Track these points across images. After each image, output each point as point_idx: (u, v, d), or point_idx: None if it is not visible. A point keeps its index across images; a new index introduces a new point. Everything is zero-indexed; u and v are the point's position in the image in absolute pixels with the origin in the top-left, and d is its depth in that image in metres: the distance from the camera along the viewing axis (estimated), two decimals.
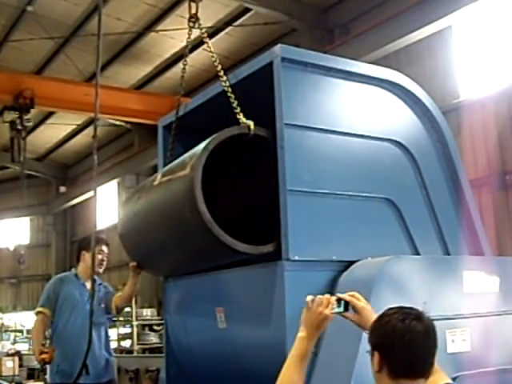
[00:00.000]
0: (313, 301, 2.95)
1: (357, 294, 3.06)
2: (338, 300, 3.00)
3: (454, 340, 4.11)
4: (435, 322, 3.92)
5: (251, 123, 4.28)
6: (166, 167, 4.71)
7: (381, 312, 2.80)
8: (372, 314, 2.95)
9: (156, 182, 4.61)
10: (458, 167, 4.95)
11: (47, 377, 5.71)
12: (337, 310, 2.98)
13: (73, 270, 5.88)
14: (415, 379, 2.63)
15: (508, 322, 4.51)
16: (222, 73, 4.56)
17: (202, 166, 4.03)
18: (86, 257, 5.73)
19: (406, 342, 2.61)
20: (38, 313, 5.69)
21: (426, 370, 2.66)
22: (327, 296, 2.96)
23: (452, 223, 4.84)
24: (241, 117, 4.34)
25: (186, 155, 4.41)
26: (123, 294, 5.62)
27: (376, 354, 2.66)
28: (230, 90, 4.47)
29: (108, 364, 5.71)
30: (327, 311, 2.91)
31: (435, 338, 2.71)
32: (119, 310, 5.80)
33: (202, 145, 4.18)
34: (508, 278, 4.54)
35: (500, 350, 4.40)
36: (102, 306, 5.70)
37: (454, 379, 4.01)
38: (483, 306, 4.36)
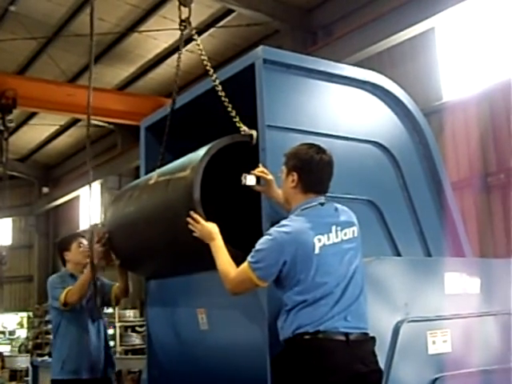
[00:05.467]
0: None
1: (265, 170, 3.93)
2: (250, 177, 3.91)
3: (434, 341, 4.14)
4: (417, 324, 4.01)
5: (254, 132, 4.26)
6: (164, 168, 4.68)
7: (296, 146, 3.71)
8: (275, 185, 3.90)
9: (152, 182, 4.59)
10: (439, 169, 4.97)
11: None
12: (251, 183, 3.92)
13: (63, 269, 5.85)
14: (319, 194, 3.64)
15: (489, 323, 4.54)
16: (214, 77, 4.50)
17: (202, 169, 4.05)
18: (70, 255, 5.76)
19: (318, 167, 3.61)
20: (64, 300, 5.47)
21: (326, 188, 3.68)
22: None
23: (433, 225, 4.86)
24: (241, 125, 4.33)
25: (185, 158, 4.41)
26: (120, 286, 5.62)
27: (295, 175, 3.61)
28: (223, 94, 4.44)
29: (108, 359, 5.71)
30: (244, 182, 3.92)
31: (333, 166, 3.67)
32: (119, 301, 5.79)
33: (204, 149, 4.18)
34: (489, 280, 4.58)
35: (481, 350, 4.44)
36: (100, 300, 5.68)
37: (434, 380, 4.05)
38: (464, 307, 4.39)
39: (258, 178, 3.96)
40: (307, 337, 3.38)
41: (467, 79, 11.53)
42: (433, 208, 4.91)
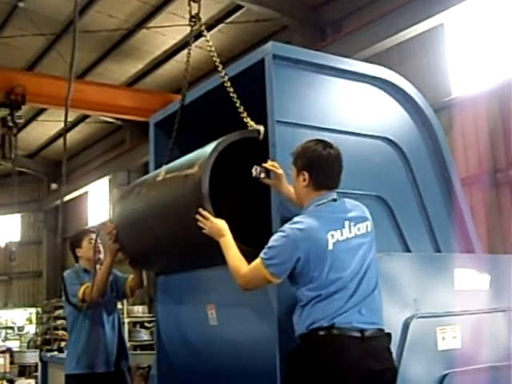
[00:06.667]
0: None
1: (276, 164, 3.95)
2: (261, 170, 3.95)
3: (444, 337, 4.14)
4: (426, 320, 4.00)
5: (261, 128, 4.26)
6: (171, 164, 4.68)
7: (300, 144, 3.72)
8: (285, 180, 3.93)
9: (160, 178, 4.59)
10: (449, 165, 4.96)
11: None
12: (261, 176, 3.96)
13: (76, 265, 5.88)
14: (331, 190, 3.65)
15: (498, 319, 4.54)
16: (223, 73, 4.51)
17: (210, 165, 4.04)
18: (82, 251, 5.81)
19: (328, 163, 3.62)
20: (82, 296, 5.50)
21: (337, 183, 3.69)
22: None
23: (443, 221, 4.85)
24: (249, 121, 4.33)
25: (193, 154, 4.40)
26: (135, 279, 5.65)
27: (306, 174, 3.62)
28: (231, 89, 4.44)
29: (122, 352, 5.75)
30: (254, 175, 3.95)
31: (342, 160, 3.68)
32: (133, 293, 5.81)
33: (212, 145, 4.17)
34: (498, 276, 4.57)
35: (490, 347, 4.43)
36: (114, 294, 5.77)
37: (444, 376, 4.05)
38: (474, 303, 4.39)
39: (268, 172, 3.97)
40: (322, 333, 3.38)
41: (476, 75, 11.49)
42: (442, 204, 4.90)
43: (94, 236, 5.73)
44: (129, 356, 5.93)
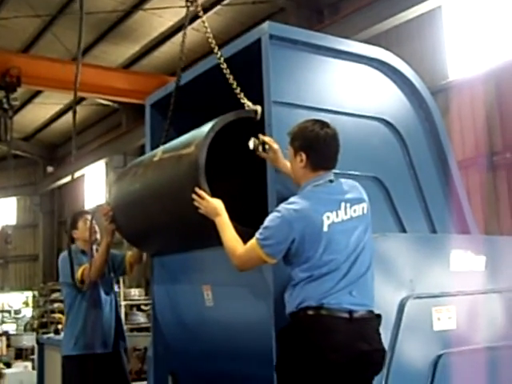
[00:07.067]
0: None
1: (272, 139, 3.96)
2: (258, 142, 3.96)
3: (439, 318, 4.15)
4: (422, 300, 4.01)
5: (259, 108, 4.25)
6: (168, 144, 4.67)
7: (296, 124, 3.70)
8: (281, 155, 3.92)
9: (156, 158, 4.58)
10: (445, 147, 4.96)
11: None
12: (259, 149, 3.97)
13: (73, 246, 5.88)
14: (328, 170, 3.63)
15: (493, 300, 4.55)
16: (219, 54, 4.48)
17: (207, 145, 4.02)
18: (78, 233, 5.82)
19: (326, 143, 3.60)
20: (81, 277, 5.51)
21: (334, 163, 3.68)
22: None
23: (439, 202, 4.85)
24: (246, 101, 4.31)
25: (189, 134, 4.39)
26: (134, 255, 5.69)
27: (303, 155, 3.60)
28: (228, 71, 4.41)
29: (119, 333, 5.78)
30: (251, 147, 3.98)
31: (339, 140, 3.65)
32: (133, 268, 5.82)
33: (209, 125, 4.16)
34: (494, 257, 4.58)
35: (485, 327, 4.45)
36: (111, 274, 5.78)
37: (439, 357, 4.06)
38: (469, 284, 4.40)
39: (265, 146, 3.97)
40: (310, 312, 3.39)
41: (474, 58, 11.47)
42: (438, 185, 4.90)
43: (89, 217, 5.73)
44: (126, 337, 5.94)
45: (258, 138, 3.99)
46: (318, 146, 3.60)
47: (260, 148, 3.97)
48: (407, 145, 4.72)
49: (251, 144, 3.99)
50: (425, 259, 4.20)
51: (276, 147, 3.94)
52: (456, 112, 11.30)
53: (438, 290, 4.18)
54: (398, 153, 4.70)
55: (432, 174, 4.89)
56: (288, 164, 3.85)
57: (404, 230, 4.51)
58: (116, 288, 5.98)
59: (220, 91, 4.51)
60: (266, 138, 3.98)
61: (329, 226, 3.45)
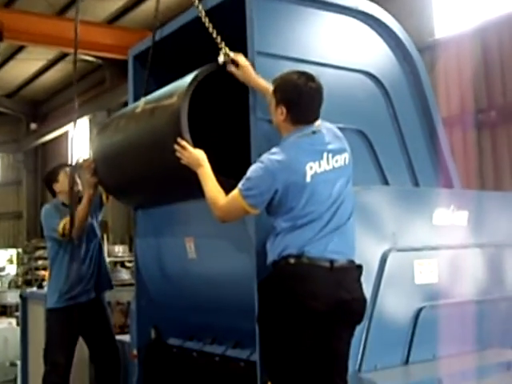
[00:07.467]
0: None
1: (241, 55, 3.99)
2: (227, 58, 4.00)
3: (421, 271, 4.17)
4: (404, 253, 4.02)
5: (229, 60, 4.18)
6: (150, 96, 4.61)
7: (281, 74, 3.65)
8: (251, 71, 3.92)
9: (139, 110, 4.52)
10: (430, 100, 4.93)
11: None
12: (227, 66, 4.01)
13: (54, 200, 5.84)
14: (308, 124, 3.56)
15: (475, 254, 4.58)
16: (197, 2, 4.42)
17: (189, 95, 3.97)
18: (59, 186, 5.78)
19: (308, 98, 3.54)
20: (62, 231, 5.45)
21: (316, 116, 3.60)
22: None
23: (423, 156, 4.85)
24: (227, 50, 4.24)
25: (172, 85, 4.33)
26: None
27: (284, 108, 3.54)
28: (206, 19, 4.33)
29: (103, 279, 5.78)
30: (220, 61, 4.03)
31: (322, 93, 3.58)
32: (108, 198, 5.72)
33: (191, 75, 4.10)
34: (477, 212, 4.59)
35: (467, 282, 4.48)
36: (94, 221, 5.73)
37: (420, 309, 4.09)
38: (451, 238, 4.42)
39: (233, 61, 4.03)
40: (292, 261, 3.40)
41: (460, 16, 11.41)
42: (422, 139, 4.89)
43: (67, 169, 5.69)
44: (111, 278, 6.00)
45: (226, 52, 4.05)
46: (299, 101, 3.55)
47: (230, 65, 4.00)
48: (391, 98, 4.69)
49: (221, 59, 4.02)
50: (407, 212, 4.20)
51: (245, 63, 3.94)
52: (442, 70, 11.28)
53: (420, 244, 4.19)
54: (383, 106, 4.67)
55: (416, 127, 4.87)
56: (261, 81, 3.88)
57: (387, 183, 4.51)
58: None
59: (205, 44, 4.43)
60: (233, 54, 3.99)
61: (312, 176, 3.44)
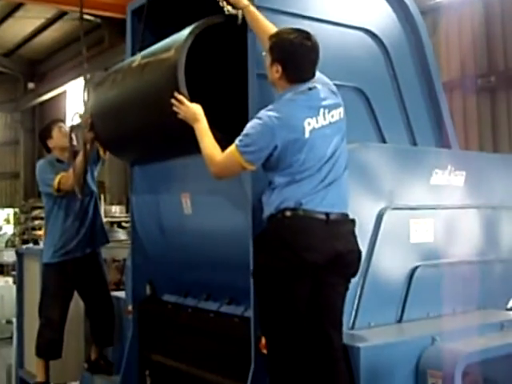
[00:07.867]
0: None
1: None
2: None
3: (417, 230, 4.17)
4: (400, 212, 4.02)
5: (239, 12, 4.13)
6: (147, 50, 4.56)
7: (277, 31, 3.64)
8: (254, 10, 3.87)
9: (135, 64, 4.48)
10: (430, 61, 4.91)
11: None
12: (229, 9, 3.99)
13: (48, 156, 5.82)
14: (303, 82, 3.53)
15: (471, 215, 4.58)
16: None
17: (186, 49, 3.91)
18: (53, 142, 5.79)
19: (304, 58, 3.52)
20: (58, 186, 5.51)
21: (312, 75, 3.57)
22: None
23: (421, 116, 4.84)
24: (225, 5, 4.18)
25: (169, 39, 4.27)
26: None
27: (279, 66, 3.52)
28: None
29: (100, 232, 5.80)
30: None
31: (318, 52, 3.55)
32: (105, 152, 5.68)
33: (188, 29, 4.05)
34: (474, 173, 4.58)
35: (462, 242, 4.49)
36: (89, 176, 5.68)
37: (415, 268, 4.10)
38: (448, 198, 4.42)
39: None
40: (288, 214, 3.40)
41: None
42: (422, 100, 4.87)
43: (63, 124, 5.67)
44: (106, 232, 6.01)
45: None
46: (295, 61, 3.53)
47: (230, 8, 3.98)
48: (391, 57, 4.66)
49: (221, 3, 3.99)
50: (405, 171, 4.19)
51: (244, 3, 3.91)
52: (443, 33, 11.22)
53: (416, 203, 4.19)
54: (382, 65, 4.64)
55: (416, 88, 4.85)
56: (266, 23, 3.85)
57: (384, 141, 4.49)
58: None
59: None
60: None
61: (310, 131, 3.43)
